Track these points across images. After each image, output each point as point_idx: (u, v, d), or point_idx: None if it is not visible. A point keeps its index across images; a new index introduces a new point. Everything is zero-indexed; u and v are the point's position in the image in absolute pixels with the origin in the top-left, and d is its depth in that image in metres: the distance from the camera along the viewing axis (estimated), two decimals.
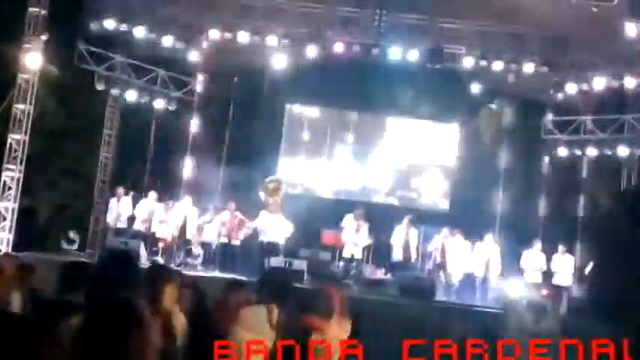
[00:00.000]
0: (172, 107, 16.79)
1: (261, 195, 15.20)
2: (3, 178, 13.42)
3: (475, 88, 16.60)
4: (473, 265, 14.92)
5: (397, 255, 15.05)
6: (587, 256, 15.03)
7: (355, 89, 16.97)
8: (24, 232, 13.58)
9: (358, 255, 15.08)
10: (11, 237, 13.29)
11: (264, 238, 14.77)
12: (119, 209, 14.97)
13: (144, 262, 14.13)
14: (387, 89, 16.96)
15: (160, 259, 14.38)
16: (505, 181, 17.00)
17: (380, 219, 15.70)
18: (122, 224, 15.02)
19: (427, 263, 15.21)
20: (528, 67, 15.53)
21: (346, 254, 15.07)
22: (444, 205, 17.87)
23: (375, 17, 15.90)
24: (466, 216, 16.21)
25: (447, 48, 15.91)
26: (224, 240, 15.00)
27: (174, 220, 14.80)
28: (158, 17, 15.80)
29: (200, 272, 13.82)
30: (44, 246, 14.03)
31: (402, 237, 15.01)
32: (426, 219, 16.04)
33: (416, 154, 17.99)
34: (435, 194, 17.97)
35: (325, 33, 15.95)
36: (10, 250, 12.97)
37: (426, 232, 15.47)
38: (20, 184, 13.45)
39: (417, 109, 17.41)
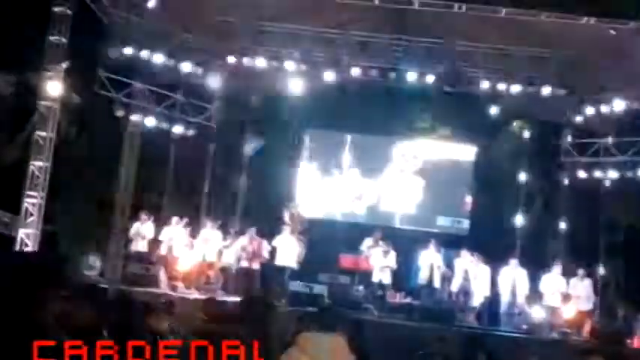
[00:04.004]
0: (191, 132, 16.87)
1: (285, 216, 15.28)
2: (25, 205, 13.49)
3: (493, 110, 16.58)
4: (495, 289, 14.82)
5: (423, 279, 15.02)
6: (609, 279, 14.95)
7: (372, 113, 16.98)
8: None
9: (387, 280, 15.02)
10: None
11: (279, 261, 14.82)
12: (142, 234, 15.04)
13: (164, 287, 14.22)
14: (404, 112, 17.02)
15: (180, 284, 14.44)
16: (524, 204, 16.93)
17: (397, 243, 15.66)
18: (144, 249, 15.07)
19: (449, 287, 15.12)
20: (546, 90, 15.54)
21: (375, 279, 15.01)
22: (463, 227, 17.77)
23: (391, 41, 16.00)
24: (485, 239, 16.16)
25: (464, 71, 15.96)
26: (244, 264, 15.00)
27: (196, 245, 14.83)
28: (176, 44, 15.92)
29: (221, 296, 13.79)
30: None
31: (427, 261, 14.99)
32: (446, 242, 15.98)
33: (433, 177, 17.92)
34: (453, 217, 17.90)
35: (342, 58, 16.02)
36: None
37: (445, 255, 15.41)
38: (42, 211, 13.52)
39: (434, 131, 17.42)
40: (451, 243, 16.18)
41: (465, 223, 17.73)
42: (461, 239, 16.82)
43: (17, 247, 13.16)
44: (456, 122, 17.23)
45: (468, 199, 17.80)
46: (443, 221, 17.78)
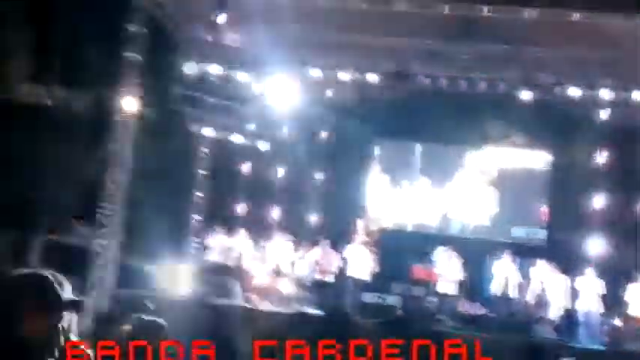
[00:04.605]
0: (262, 146, 17.03)
1: (357, 227, 15.26)
2: (101, 217, 13.83)
3: (568, 116, 16.18)
4: (573, 300, 14.41)
5: (497, 290, 14.75)
6: None
7: (443, 122, 16.79)
8: (121, 270, 13.93)
9: (452, 291, 14.81)
10: (110, 275, 13.64)
11: (352, 272, 14.78)
12: (216, 246, 15.28)
13: (239, 299, 14.35)
14: (476, 121, 16.81)
15: (254, 296, 14.55)
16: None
17: (471, 253, 15.42)
18: (218, 261, 15.30)
19: (524, 297, 14.78)
20: (622, 95, 15.10)
21: (440, 290, 14.84)
22: (539, 237, 17.37)
23: (461, 49, 15.82)
24: (563, 248, 15.76)
25: (536, 77, 15.65)
26: (317, 276, 15.02)
27: (269, 257, 14.96)
28: (248, 58, 16.11)
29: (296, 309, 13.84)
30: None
31: (502, 272, 14.72)
32: (521, 251, 15.65)
33: (507, 187, 17.60)
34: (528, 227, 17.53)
35: (411, 67, 15.93)
36: (107, 288, 13.35)
37: (521, 266, 15.10)
38: (118, 223, 13.84)
39: (507, 139, 17.14)
40: (527, 252, 15.86)
41: (541, 234, 17.36)
42: (537, 249, 16.46)
43: (93, 259, 13.51)
44: (530, 130, 16.93)
45: (544, 208, 17.41)
46: (517, 232, 17.46)
